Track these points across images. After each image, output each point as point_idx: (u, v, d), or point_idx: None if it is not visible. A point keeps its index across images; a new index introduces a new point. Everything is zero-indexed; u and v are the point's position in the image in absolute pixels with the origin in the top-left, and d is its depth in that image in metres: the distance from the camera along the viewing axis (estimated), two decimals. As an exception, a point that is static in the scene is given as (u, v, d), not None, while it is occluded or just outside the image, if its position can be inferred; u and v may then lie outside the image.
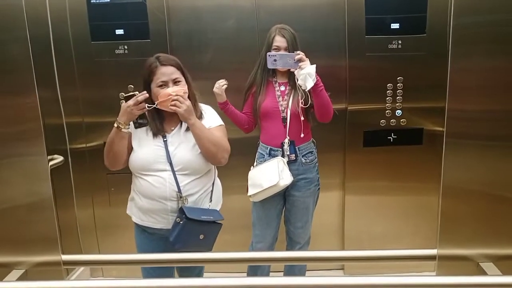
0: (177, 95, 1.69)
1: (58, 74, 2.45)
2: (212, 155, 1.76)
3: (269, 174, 2.07)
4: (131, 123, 1.73)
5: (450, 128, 1.04)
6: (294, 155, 2.13)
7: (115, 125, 1.70)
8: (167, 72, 1.73)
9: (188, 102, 1.69)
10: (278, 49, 2.07)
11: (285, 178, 2.07)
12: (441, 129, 2.50)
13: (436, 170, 2.49)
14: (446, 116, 1.02)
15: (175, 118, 1.78)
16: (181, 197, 1.72)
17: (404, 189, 2.64)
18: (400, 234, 2.68)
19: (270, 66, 2.05)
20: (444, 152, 1.02)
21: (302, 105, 2.06)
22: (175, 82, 1.73)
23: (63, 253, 0.97)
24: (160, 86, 1.72)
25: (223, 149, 1.78)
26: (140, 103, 1.66)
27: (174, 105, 1.68)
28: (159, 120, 1.78)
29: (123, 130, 1.70)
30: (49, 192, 0.91)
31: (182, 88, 1.73)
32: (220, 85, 2.10)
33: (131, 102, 1.66)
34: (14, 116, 0.83)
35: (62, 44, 2.41)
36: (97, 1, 2.35)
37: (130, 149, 1.78)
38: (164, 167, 1.73)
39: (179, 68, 1.76)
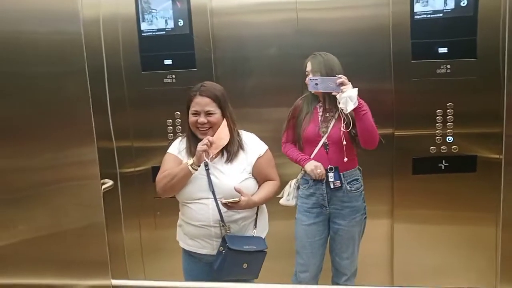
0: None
1: (110, 102, 2.58)
2: None
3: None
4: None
5: (509, 155, 0.98)
6: (339, 181, 2.07)
7: (190, 162, 1.74)
8: (202, 102, 1.78)
9: (238, 208, 1.73)
10: (308, 74, 2.10)
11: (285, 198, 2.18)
12: (496, 156, 2.36)
13: (491, 199, 2.34)
14: (504, 143, 0.96)
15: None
16: (223, 225, 1.73)
17: (458, 219, 2.49)
18: (453, 268, 2.51)
19: (311, 89, 2.05)
20: (503, 182, 0.96)
21: (343, 129, 2.03)
22: (208, 113, 1.77)
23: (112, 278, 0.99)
24: (194, 114, 1.79)
25: (277, 190, 1.91)
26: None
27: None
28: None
29: (192, 170, 1.75)
30: (102, 217, 0.94)
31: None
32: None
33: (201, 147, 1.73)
34: (69, 142, 0.88)
35: (115, 74, 2.55)
36: (148, 34, 2.48)
37: None
38: (207, 195, 1.76)
39: (215, 100, 1.79)
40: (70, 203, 0.93)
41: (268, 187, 1.85)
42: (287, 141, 2.24)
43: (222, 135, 1.77)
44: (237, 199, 1.71)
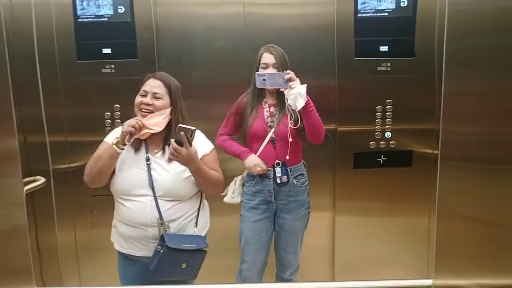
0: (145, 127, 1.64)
1: (42, 92, 2.39)
2: (209, 191, 1.80)
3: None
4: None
5: (445, 150, 1.02)
6: (286, 176, 2.08)
7: (114, 141, 1.64)
8: (152, 84, 1.71)
9: (184, 151, 1.59)
10: (266, 66, 2.05)
11: (229, 196, 2.16)
12: (430, 151, 2.50)
13: (426, 191, 2.48)
14: (441, 139, 1.00)
15: (157, 141, 1.73)
16: (162, 223, 1.65)
17: (395, 210, 2.62)
18: (391, 256, 2.64)
19: (258, 85, 2.02)
20: (439, 176, 0.99)
21: (291, 126, 2.02)
22: (155, 96, 1.69)
23: (42, 283, 0.89)
24: (141, 95, 1.71)
25: (220, 184, 1.80)
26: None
27: (172, 155, 1.61)
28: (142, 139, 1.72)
29: (117, 150, 1.63)
30: (24, 219, 0.85)
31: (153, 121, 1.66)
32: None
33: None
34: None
35: (48, 62, 2.36)
36: (85, 20, 2.31)
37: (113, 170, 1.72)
38: (146, 192, 1.66)
39: (167, 85, 1.72)
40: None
41: (213, 172, 1.76)
42: (224, 134, 2.20)
43: (155, 121, 1.67)
44: (194, 128, 1.59)
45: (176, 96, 1.73)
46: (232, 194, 2.17)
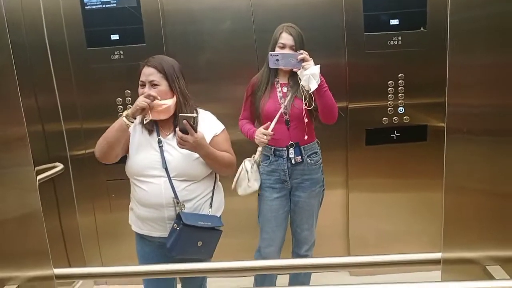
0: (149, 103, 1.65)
1: (56, 81, 2.43)
2: (222, 172, 1.82)
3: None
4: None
5: (451, 124, 1.01)
6: (299, 157, 2.08)
7: (124, 114, 1.67)
8: (146, 72, 1.71)
9: (191, 138, 1.62)
10: (283, 46, 2.01)
11: (244, 187, 2.11)
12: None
13: (441, 166, 2.44)
14: (447, 112, 0.99)
15: (168, 124, 1.75)
16: (178, 203, 1.68)
17: (409, 186, 2.60)
18: (406, 231, 2.64)
19: (272, 65, 1.99)
20: (446, 149, 0.98)
21: (305, 107, 2.01)
22: (152, 84, 1.70)
23: (68, 264, 0.94)
24: (141, 85, 1.72)
25: (232, 165, 1.81)
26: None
27: (179, 144, 1.64)
28: (154, 122, 1.75)
29: (126, 121, 1.65)
30: (38, 204, 0.88)
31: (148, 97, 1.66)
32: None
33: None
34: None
35: (59, 51, 2.40)
36: (92, 7, 2.33)
37: (126, 150, 1.75)
38: (160, 173, 1.69)
39: (161, 71, 1.70)
40: (4, 191, 0.87)
41: (223, 153, 1.77)
42: (243, 118, 2.22)
43: (162, 109, 1.69)
44: (195, 115, 1.64)
45: (173, 78, 1.71)
46: (249, 183, 2.12)
